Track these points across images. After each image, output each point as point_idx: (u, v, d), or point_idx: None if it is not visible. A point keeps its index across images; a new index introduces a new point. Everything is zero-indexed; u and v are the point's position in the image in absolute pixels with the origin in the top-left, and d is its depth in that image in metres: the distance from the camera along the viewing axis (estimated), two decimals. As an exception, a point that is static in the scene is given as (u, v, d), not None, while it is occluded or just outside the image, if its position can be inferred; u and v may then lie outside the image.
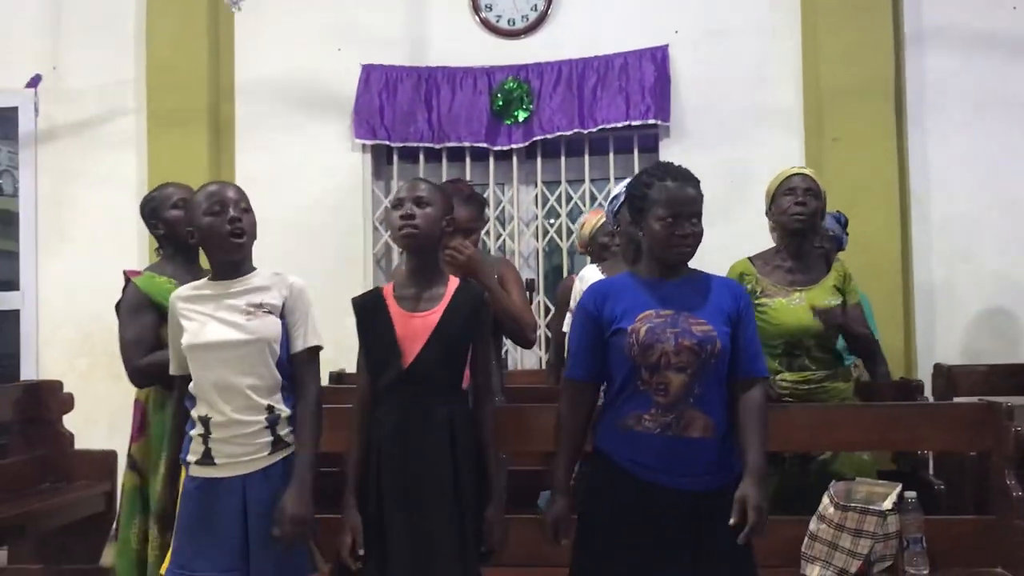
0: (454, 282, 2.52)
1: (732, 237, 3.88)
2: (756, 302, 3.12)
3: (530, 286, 5.14)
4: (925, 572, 2.72)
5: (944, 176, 4.75)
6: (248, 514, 2.36)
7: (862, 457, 3.19)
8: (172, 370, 2.53)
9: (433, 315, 2.44)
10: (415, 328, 2.43)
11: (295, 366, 2.47)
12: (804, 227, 3.19)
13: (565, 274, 5.10)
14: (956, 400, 3.75)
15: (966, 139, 4.73)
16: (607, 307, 2.36)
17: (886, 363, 3.86)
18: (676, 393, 2.26)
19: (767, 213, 3.31)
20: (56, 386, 4.20)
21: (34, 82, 5.34)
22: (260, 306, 2.42)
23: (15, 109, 5.37)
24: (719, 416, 2.30)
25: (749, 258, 3.27)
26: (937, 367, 4.40)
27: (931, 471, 3.62)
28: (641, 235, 2.41)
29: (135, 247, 5.04)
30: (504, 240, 5.19)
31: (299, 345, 2.47)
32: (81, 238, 5.24)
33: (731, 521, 2.18)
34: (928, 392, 4.43)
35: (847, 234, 4.01)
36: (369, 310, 2.48)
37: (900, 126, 4.74)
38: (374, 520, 2.39)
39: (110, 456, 4.10)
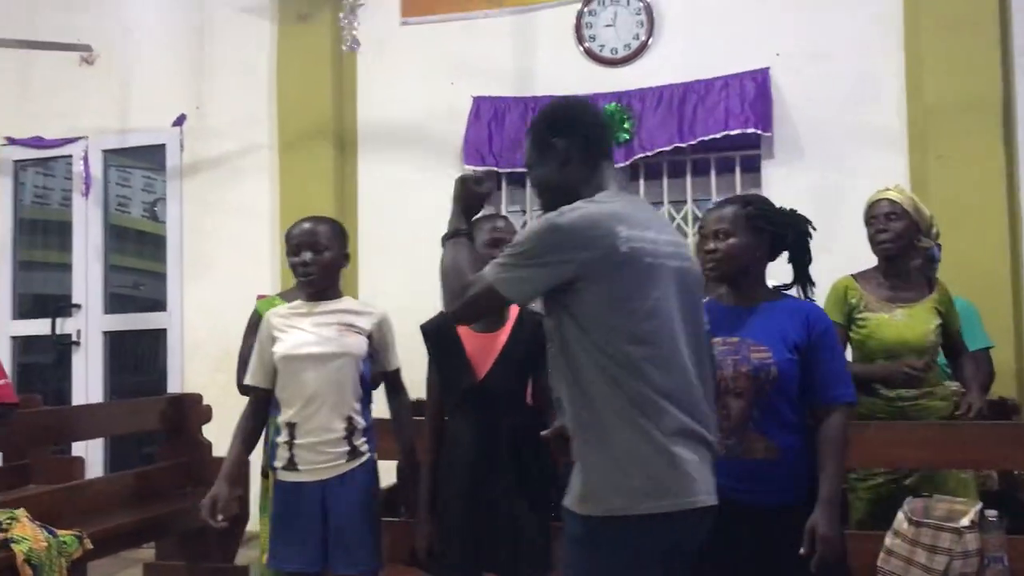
0: (515, 309, 2.74)
1: (837, 257, 3.83)
2: (858, 317, 3.22)
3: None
4: (1008, 588, 2.74)
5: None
6: (327, 515, 2.68)
7: (959, 475, 3.21)
8: (256, 382, 2.83)
9: (501, 335, 2.68)
10: (485, 347, 2.67)
11: (388, 384, 2.77)
12: (890, 252, 3.25)
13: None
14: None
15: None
16: None
17: (990, 376, 3.81)
18: (736, 418, 2.38)
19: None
20: (197, 399, 4.60)
21: (179, 121, 5.87)
22: (351, 326, 2.73)
23: (163, 146, 5.92)
24: (781, 439, 2.38)
25: (853, 275, 3.34)
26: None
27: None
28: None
29: (268, 271, 5.47)
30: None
31: (390, 366, 2.78)
32: (221, 262, 5.71)
33: (801, 551, 2.28)
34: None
35: (939, 245, 3.98)
36: (439, 333, 2.72)
37: (1008, 142, 4.66)
38: (446, 523, 2.63)
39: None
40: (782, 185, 4.91)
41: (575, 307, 1.98)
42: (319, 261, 2.80)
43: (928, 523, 2.75)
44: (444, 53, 5.50)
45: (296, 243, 2.82)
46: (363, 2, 4.65)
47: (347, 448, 2.73)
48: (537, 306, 3.13)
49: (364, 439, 2.76)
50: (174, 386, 5.67)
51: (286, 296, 3.42)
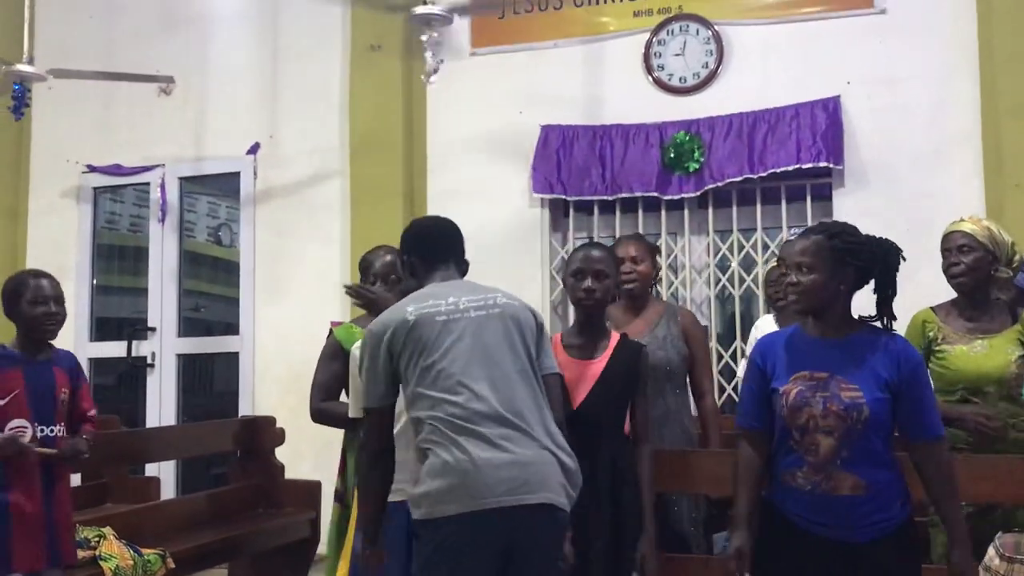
0: (615, 336, 2.76)
1: (914, 288, 3.75)
2: (936, 349, 3.18)
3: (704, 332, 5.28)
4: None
5: None
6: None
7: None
8: (352, 413, 2.90)
9: (599, 363, 2.69)
10: (583, 373, 2.69)
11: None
12: (964, 286, 3.20)
13: (738, 321, 5.20)
14: None
15: None
16: (769, 362, 2.52)
17: None
18: (825, 455, 2.38)
19: None
20: (270, 421, 4.69)
21: (253, 149, 6.02)
22: None
23: (237, 173, 6.08)
24: (870, 476, 2.38)
25: (931, 307, 3.30)
26: None
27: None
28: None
29: (338, 296, 5.54)
30: (676, 287, 5.35)
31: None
32: (293, 288, 5.82)
33: None
34: None
35: (1024, 271, 3.92)
36: None
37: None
38: None
39: (314, 486, 4.52)
40: (854, 214, 4.85)
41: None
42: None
43: (1019, 558, 2.69)
44: (513, 82, 5.58)
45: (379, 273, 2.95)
46: (437, 34, 4.74)
47: None
48: (641, 336, 3.18)
49: None
50: (245, 408, 5.78)
51: (359, 322, 3.46)
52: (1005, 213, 4.55)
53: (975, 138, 4.81)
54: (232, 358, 6.01)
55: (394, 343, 2.41)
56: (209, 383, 6.42)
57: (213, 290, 6.55)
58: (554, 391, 2.49)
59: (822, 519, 2.39)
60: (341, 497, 3.37)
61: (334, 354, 3.38)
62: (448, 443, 2.31)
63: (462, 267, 2.66)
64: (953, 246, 3.21)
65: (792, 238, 2.59)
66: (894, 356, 2.45)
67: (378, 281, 3.24)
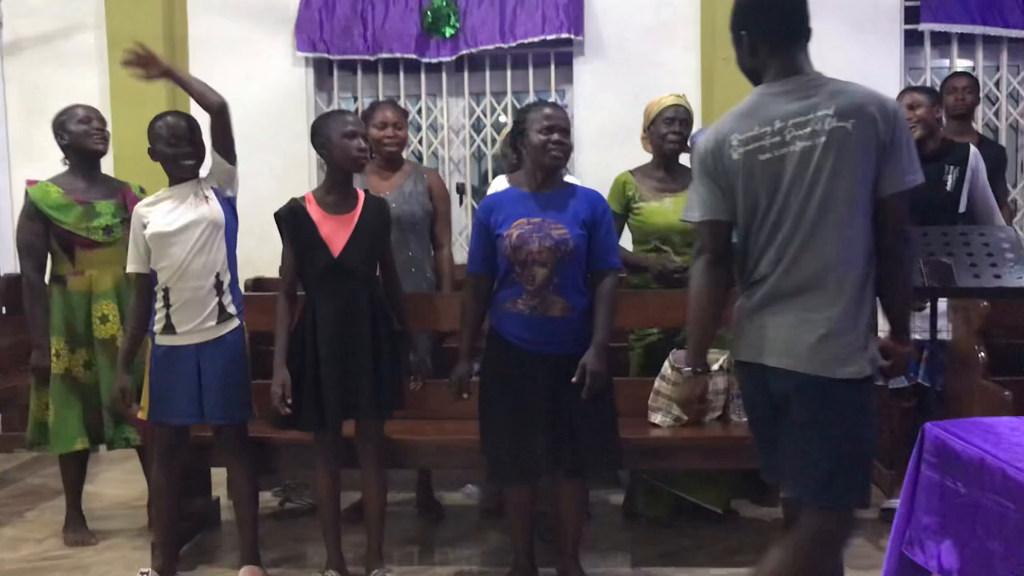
0: (361, 193, 3.19)
1: (639, 149, 4.10)
2: (634, 206, 3.77)
3: (460, 189, 5.76)
4: (745, 419, 3.46)
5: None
6: (201, 375, 3.11)
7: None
8: (137, 268, 3.19)
9: (352, 217, 3.10)
10: (339, 227, 3.08)
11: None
12: (676, 151, 3.79)
13: (491, 178, 5.69)
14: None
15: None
16: (493, 217, 3.04)
17: None
18: (540, 283, 2.96)
19: (646, 131, 3.85)
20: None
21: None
22: (203, 196, 3.14)
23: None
24: (575, 300, 3.00)
25: (630, 171, 3.87)
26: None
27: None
28: (525, 153, 3.06)
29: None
30: (436, 147, 5.75)
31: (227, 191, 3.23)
32: (48, 149, 5.65)
33: (573, 379, 2.93)
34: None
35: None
36: (295, 216, 3.12)
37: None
38: (312, 379, 3.08)
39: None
40: (592, 81, 5.46)
41: None
42: (198, 153, 3.18)
43: (687, 370, 3.40)
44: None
45: (173, 134, 3.12)
46: None
47: (216, 304, 3.12)
48: (390, 192, 3.59)
49: (231, 298, 3.15)
50: (6, 267, 5.70)
51: (58, 181, 3.67)
52: (715, 81, 5.24)
53: (695, 15, 5.40)
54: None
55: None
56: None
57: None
58: None
59: (537, 337, 2.99)
60: None
61: (30, 214, 3.59)
62: None
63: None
64: (677, 118, 3.74)
65: (547, 110, 3.04)
66: (590, 201, 3.09)
67: (183, 144, 3.20)
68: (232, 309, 3.16)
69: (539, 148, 2.99)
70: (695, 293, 2.37)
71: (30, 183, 3.65)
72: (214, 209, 3.13)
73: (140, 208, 3.19)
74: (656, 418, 3.45)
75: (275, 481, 4.13)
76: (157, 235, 3.10)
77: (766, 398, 2.26)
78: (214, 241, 3.12)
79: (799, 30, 2.26)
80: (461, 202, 5.72)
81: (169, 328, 3.12)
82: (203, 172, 3.23)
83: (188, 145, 3.15)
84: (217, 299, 3.12)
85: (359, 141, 3.08)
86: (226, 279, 3.15)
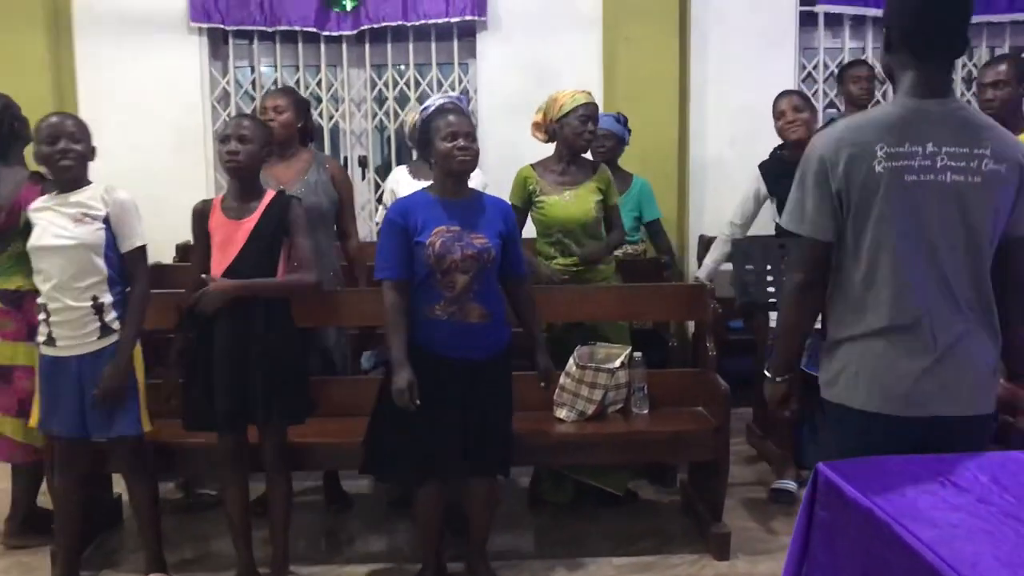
0: (270, 194, 3.14)
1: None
2: (536, 200, 3.81)
3: (363, 162, 5.69)
4: (645, 411, 3.60)
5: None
6: (84, 388, 3.04)
7: (618, 323, 3.98)
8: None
9: (249, 222, 3.06)
10: (234, 234, 3.06)
11: (127, 263, 3.07)
12: (586, 148, 3.85)
13: (393, 154, 5.63)
14: (676, 283, 4.42)
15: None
16: (411, 221, 3.01)
17: (666, 238, 4.68)
18: (460, 290, 2.98)
19: (553, 121, 3.79)
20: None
21: None
22: (86, 215, 3.01)
23: None
24: (492, 306, 3.05)
25: (531, 165, 3.89)
26: (700, 237, 5.27)
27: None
28: (432, 162, 3.06)
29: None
30: (336, 120, 5.64)
31: (126, 247, 3.07)
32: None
33: (542, 384, 3.24)
34: (693, 257, 5.31)
35: (629, 131, 4.68)
36: (196, 221, 3.12)
37: (683, 27, 5.36)
38: (204, 374, 3.06)
39: None
40: (495, 59, 5.42)
41: None
42: (75, 152, 3.02)
43: (590, 366, 3.51)
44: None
45: (50, 134, 2.98)
46: None
47: (98, 325, 3.02)
48: (292, 183, 3.54)
49: (115, 315, 3.05)
50: None
51: None
52: (617, 61, 5.28)
53: (597, -1, 5.40)
54: None
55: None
56: None
57: None
58: None
59: (455, 343, 3.01)
60: None
61: None
62: None
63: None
64: (591, 115, 3.76)
65: (451, 118, 3.05)
66: (503, 212, 3.14)
67: (59, 142, 3.04)
68: (116, 325, 3.06)
69: (445, 155, 2.98)
70: (785, 315, 2.33)
71: None
72: (94, 232, 3.01)
73: (30, 211, 3.10)
74: (561, 413, 3.53)
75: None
76: (34, 247, 3.04)
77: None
78: (89, 264, 3.01)
79: (954, 44, 2.15)
80: (364, 176, 5.66)
81: (50, 341, 3.05)
82: (100, 188, 3.09)
83: (70, 143, 3.01)
84: (98, 320, 3.03)
85: (231, 144, 3.03)
86: (107, 300, 3.04)
